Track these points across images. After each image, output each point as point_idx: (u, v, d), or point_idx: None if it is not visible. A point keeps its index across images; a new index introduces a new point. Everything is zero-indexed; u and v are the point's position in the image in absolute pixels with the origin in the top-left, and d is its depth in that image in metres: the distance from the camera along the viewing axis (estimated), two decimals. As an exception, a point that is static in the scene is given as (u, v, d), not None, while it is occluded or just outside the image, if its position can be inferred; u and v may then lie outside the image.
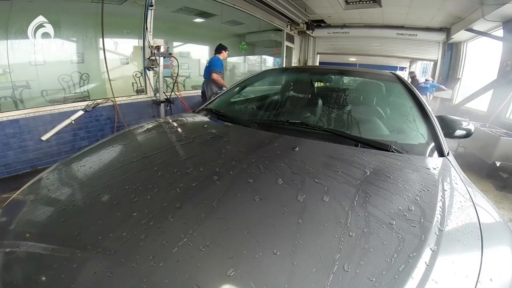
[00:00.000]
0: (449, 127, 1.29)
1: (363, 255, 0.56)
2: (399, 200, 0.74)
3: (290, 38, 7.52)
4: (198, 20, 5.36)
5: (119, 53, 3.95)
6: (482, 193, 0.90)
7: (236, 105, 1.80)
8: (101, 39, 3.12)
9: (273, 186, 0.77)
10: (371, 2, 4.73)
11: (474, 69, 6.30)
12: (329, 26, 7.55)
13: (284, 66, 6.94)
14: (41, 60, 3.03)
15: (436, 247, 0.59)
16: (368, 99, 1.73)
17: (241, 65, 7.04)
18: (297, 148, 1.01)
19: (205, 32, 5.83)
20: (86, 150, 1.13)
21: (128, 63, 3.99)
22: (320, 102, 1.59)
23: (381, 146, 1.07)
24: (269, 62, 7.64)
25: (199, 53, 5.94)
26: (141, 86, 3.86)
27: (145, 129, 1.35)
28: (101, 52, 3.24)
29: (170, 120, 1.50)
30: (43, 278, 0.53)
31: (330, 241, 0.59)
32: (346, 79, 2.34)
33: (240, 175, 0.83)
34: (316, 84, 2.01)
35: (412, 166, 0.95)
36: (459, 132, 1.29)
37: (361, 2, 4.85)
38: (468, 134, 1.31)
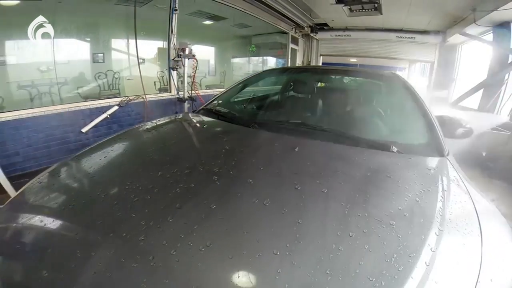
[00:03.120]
0: (449, 127, 1.27)
1: (363, 255, 0.56)
2: (399, 200, 0.73)
3: (295, 41, 7.72)
4: (210, 22, 5.62)
5: (145, 54, 4.25)
6: (482, 193, 0.88)
7: (236, 105, 1.78)
8: (133, 41, 3.38)
9: (273, 186, 0.77)
10: (373, 10, 5.14)
11: (468, 70, 6.61)
12: (331, 29, 7.66)
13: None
14: (80, 58, 3.33)
15: (436, 247, 0.59)
16: (368, 99, 1.70)
17: (246, 65, 7.28)
18: (297, 148, 1.00)
19: (216, 34, 6.10)
20: (86, 150, 1.11)
21: (153, 63, 4.29)
22: (320, 102, 1.59)
23: (381, 146, 1.06)
24: (275, 63, 7.82)
25: (210, 54, 6.25)
26: (164, 85, 4.17)
27: (145, 129, 1.33)
28: (134, 52, 3.47)
29: (170, 120, 1.48)
30: (43, 278, 0.53)
31: (330, 241, 0.59)
32: (346, 79, 2.34)
33: (240, 175, 0.82)
34: (316, 84, 2.00)
35: (412, 166, 0.95)
36: (459, 132, 1.27)
37: (363, 10, 5.24)
38: (468, 134, 1.28)
